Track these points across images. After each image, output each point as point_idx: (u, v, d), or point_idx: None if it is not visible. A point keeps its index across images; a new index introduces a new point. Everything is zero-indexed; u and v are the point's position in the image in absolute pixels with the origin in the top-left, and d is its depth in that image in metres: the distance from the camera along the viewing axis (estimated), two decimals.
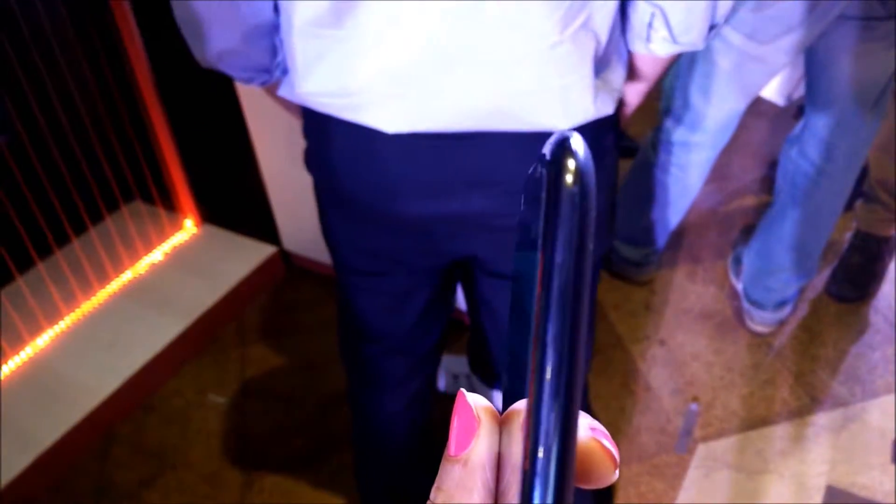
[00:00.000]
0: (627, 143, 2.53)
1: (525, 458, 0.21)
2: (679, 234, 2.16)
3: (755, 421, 1.74)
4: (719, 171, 2.34)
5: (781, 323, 1.94)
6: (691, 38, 0.91)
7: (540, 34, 0.82)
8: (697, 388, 1.82)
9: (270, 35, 0.94)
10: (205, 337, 1.99)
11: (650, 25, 0.91)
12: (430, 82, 0.86)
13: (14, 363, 1.83)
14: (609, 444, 0.24)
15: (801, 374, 1.84)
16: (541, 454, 0.21)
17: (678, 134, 1.76)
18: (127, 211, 2.16)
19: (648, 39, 0.93)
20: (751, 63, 1.54)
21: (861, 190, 1.98)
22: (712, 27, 0.92)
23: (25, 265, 1.93)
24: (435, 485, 0.24)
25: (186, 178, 2.13)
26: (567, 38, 0.83)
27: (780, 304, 1.89)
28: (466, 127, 0.89)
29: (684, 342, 1.93)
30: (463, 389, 0.25)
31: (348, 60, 0.86)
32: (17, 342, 1.85)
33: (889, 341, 1.89)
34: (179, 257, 2.14)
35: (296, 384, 1.87)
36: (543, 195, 0.21)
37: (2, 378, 1.80)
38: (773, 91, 2.72)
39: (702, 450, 1.69)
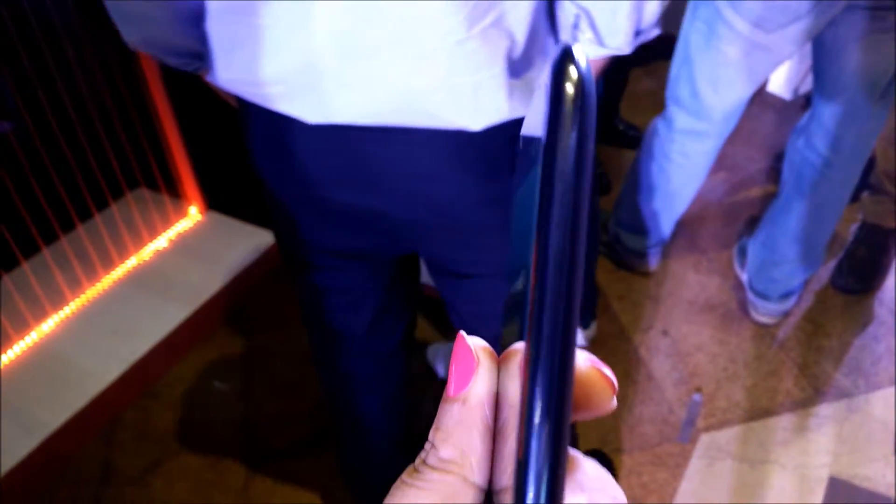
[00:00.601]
0: (632, 132, 2.53)
1: (523, 397, 0.21)
2: (684, 225, 2.16)
3: (758, 412, 1.74)
4: (725, 162, 2.34)
5: (786, 314, 1.94)
6: (617, 41, 0.90)
7: (446, 30, 0.81)
8: (701, 378, 1.82)
9: (198, 21, 0.93)
10: (209, 324, 1.99)
11: (576, 27, 0.89)
12: (341, 75, 0.85)
13: (19, 348, 1.84)
14: (608, 371, 0.24)
15: (805, 365, 1.83)
16: (539, 393, 0.20)
17: (683, 122, 1.75)
18: (132, 198, 2.16)
19: (574, 40, 0.90)
20: (757, 52, 1.54)
21: (867, 182, 1.97)
22: (639, 32, 0.91)
23: (31, 251, 1.93)
24: (433, 425, 0.24)
25: (191, 165, 2.13)
26: (475, 35, 0.82)
27: (785, 296, 1.89)
28: (381, 121, 0.88)
29: (688, 333, 1.93)
30: (462, 332, 0.25)
31: (263, 49, 0.86)
32: (23, 327, 1.86)
33: (893, 333, 1.89)
34: (184, 244, 2.14)
35: (299, 371, 1.87)
36: (546, 101, 0.21)
37: (7, 363, 1.81)
38: (780, 85, 2.71)
39: (705, 440, 1.69)
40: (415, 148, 0.92)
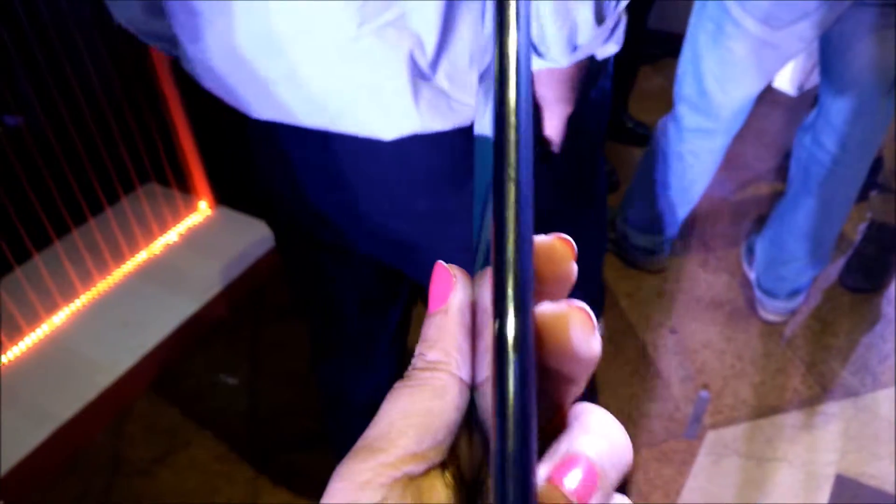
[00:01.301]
0: (640, 129, 2.53)
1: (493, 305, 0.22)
2: (692, 223, 2.16)
3: (765, 409, 1.74)
4: (733, 160, 2.34)
5: (793, 312, 1.93)
6: (551, 53, 0.84)
7: (337, 25, 0.78)
8: (708, 376, 1.82)
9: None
10: (218, 317, 2.00)
11: None
12: (260, 71, 0.84)
13: (30, 340, 1.85)
14: (565, 236, 0.26)
15: (812, 363, 1.83)
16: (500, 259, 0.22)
17: (691, 120, 1.75)
18: (142, 192, 2.18)
19: None
20: (765, 49, 1.54)
21: (875, 181, 1.97)
22: (576, 47, 0.85)
23: (42, 244, 1.95)
24: (419, 341, 0.27)
25: (201, 160, 2.14)
26: (367, 33, 0.78)
27: (793, 294, 1.89)
28: (298, 122, 0.87)
29: (696, 330, 1.93)
30: (440, 261, 0.27)
31: (204, 41, 0.86)
32: (34, 319, 1.87)
33: None
34: (194, 238, 2.16)
35: (306, 365, 1.88)
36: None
37: (18, 354, 1.83)
38: (786, 81, 2.71)
39: (711, 437, 1.69)
40: (335, 155, 0.90)
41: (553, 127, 1.00)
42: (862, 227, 2.05)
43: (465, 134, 0.88)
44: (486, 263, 0.26)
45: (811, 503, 1.56)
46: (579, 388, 0.26)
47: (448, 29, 0.80)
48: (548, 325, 0.24)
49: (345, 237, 1.05)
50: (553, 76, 0.92)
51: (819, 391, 1.77)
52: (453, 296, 0.26)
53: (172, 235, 2.14)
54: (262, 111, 0.89)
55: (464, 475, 0.26)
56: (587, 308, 0.25)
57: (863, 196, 2.00)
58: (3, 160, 1.76)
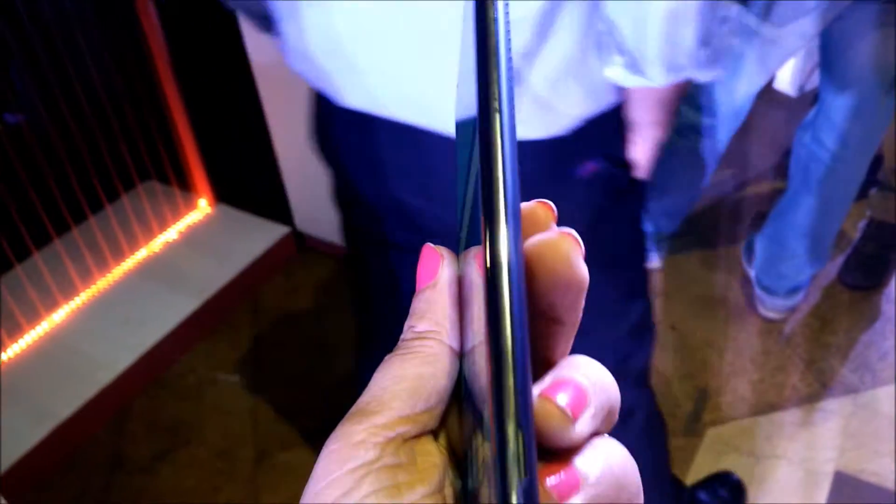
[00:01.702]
0: None
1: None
2: (692, 220, 2.16)
3: (765, 406, 1.74)
4: (733, 158, 2.34)
5: (793, 310, 1.94)
6: (650, 71, 0.80)
7: (432, 20, 0.77)
8: (708, 373, 1.82)
9: None
10: (218, 315, 2.01)
11: (603, 45, 0.81)
12: (358, 59, 0.84)
13: (30, 338, 1.85)
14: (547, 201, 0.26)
15: (811, 360, 1.84)
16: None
17: (691, 117, 1.75)
18: (142, 190, 2.18)
19: (603, 62, 0.83)
20: (766, 46, 1.54)
21: (875, 178, 1.97)
22: (678, 67, 0.81)
23: (42, 241, 1.95)
24: (409, 315, 0.28)
25: (201, 158, 2.14)
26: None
27: (793, 291, 1.89)
28: (387, 114, 0.86)
29: (695, 327, 1.93)
30: (428, 243, 0.28)
31: (302, 25, 0.86)
32: (34, 317, 1.87)
33: None
34: (193, 236, 2.16)
35: (307, 363, 1.89)
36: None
37: (18, 352, 1.83)
38: (786, 82, 2.71)
39: (711, 434, 1.69)
40: (425, 152, 0.89)
41: (643, 151, 0.97)
42: (861, 224, 2.05)
43: (561, 144, 0.86)
44: (469, 243, 0.26)
45: (810, 501, 1.57)
46: (566, 331, 0.25)
47: (544, 33, 0.78)
48: (535, 252, 0.24)
49: (421, 234, 1.04)
50: (649, 96, 0.89)
51: (818, 388, 1.77)
52: (441, 271, 0.27)
53: (172, 233, 2.14)
54: (352, 99, 0.89)
55: (455, 449, 0.27)
56: (573, 232, 0.25)
57: (862, 194, 1.99)
58: (4, 158, 1.76)
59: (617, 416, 0.25)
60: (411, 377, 0.25)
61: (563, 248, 0.24)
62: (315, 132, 1.04)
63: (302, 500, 0.24)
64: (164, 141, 2.08)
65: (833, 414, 1.72)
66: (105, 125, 1.96)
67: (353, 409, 0.26)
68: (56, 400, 1.73)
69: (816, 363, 1.83)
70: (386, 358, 0.26)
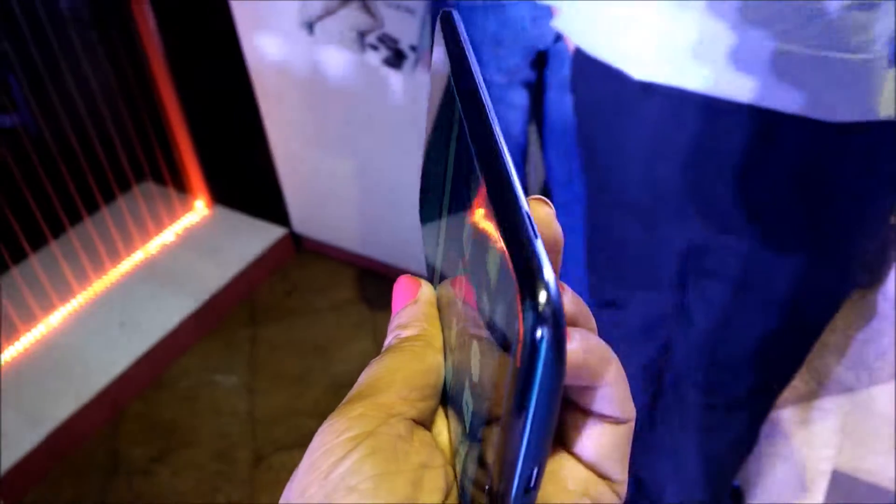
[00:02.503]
0: None
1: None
2: None
3: None
4: None
5: None
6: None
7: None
8: None
9: None
10: (215, 317, 2.00)
11: None
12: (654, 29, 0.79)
13: (27, 340, 1.85)
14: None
15: (808, 359, 1.82)
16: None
17: None
18: (139, 191, 2.17)
19: None
20: None
21: None
22: None
23: (38, 244, 1.94)
24: (390, 328, 0.29)
25: (198, 159, 2.14)
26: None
27: None
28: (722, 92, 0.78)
29: None
30: (405, 275, 0.30)
31: None
32: (30, 319, 1.87)
33: None
34: (190, 238, 2.15)
35: (304, 365, 1.89)
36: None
37: (14, 355, 1.82)
38: None
39: None
40: (738, 131, 0.81)
41: None
42: None
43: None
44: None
45: (808, 499, 1.57)
46: None
47: None
48: None
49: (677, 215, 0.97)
50: None
51: (815, 387, 1.77)
52: (421, 290, 0.29)
53: (169, 235, 2.14)
54: (642, 71, 0.84)
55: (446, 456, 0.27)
56: (542, 197, 0.26)
57: None
58: None
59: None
60: (404, 369, 0.26)
61: (544, 210, 0.25)
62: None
63: (296, 473, 0.24)
64: (161, 142, 2.08)
65: (830, 412, 1.72)
66: (101, 126, 1.96)
67: (349, 395, 0.25)
68: (53, 403, 1.73)
69: (813, 361, 1.83)
70: (373, 360, 0.27)
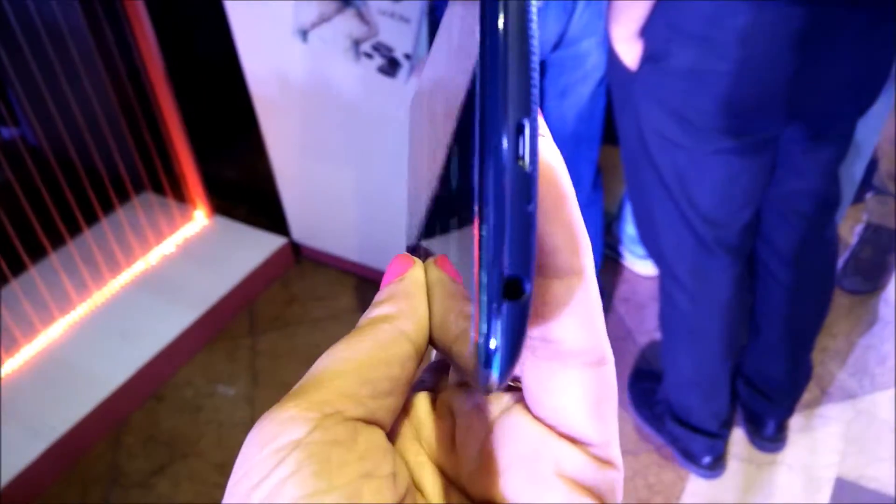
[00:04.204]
0: None
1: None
2: None
3: None
4: None
5: None
6: None
7: None
8: None
9: None
10: (215, 327, 2.00)
11: None
12: None
13: (27, 353, 1.84)
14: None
15: (811, 364, 1.83)
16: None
17: None
18: (138, 202, 2.17)
19: None
20: None
21: (871, 183, 1.97)
22: None
23: (38, 255, 1.94)
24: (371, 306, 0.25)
25: (197, 169, 2.14)
26: None
27: None
28: None
29: None
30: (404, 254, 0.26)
31: None
32: (30, 332, 1.86)
33: None
34: (190, 248, 2.15)
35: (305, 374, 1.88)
36: None
37: (15, 367, 1.82)
38: None
39: None
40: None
41: None
42: (858, 229, 2.05)
43: None
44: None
45: None
46: None
47: None
48: None
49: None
50: None
51: (818, 394, 1.77)
52: (411, 271, 0.25)
53: (169, 245, 2.14)
54: None
55: (413, 473, 0.24)
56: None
57: (859, 198, 2.00)
58: None
59: None
60: (359, 358, 0.22)
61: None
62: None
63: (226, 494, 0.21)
64: (160, 153, 2.08)
65: (833, 419, 1.71)
66: (100, 138, 1.96)
67: (288, 393, 0.22)
68: (53, 415, 1.73)
69: (815, 368, 1.82)
70: (337, 342, 0.23)
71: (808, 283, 1.44)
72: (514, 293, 0.18)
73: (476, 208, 0.18)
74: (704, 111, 1.13)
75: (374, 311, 0.24)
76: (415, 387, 0.27)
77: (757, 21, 1.01)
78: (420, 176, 0.27)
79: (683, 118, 1.15)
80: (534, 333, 0.21)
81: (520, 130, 0.17)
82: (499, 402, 0.24)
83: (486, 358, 0.18)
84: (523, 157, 0.18)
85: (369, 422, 0.22)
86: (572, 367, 0.21)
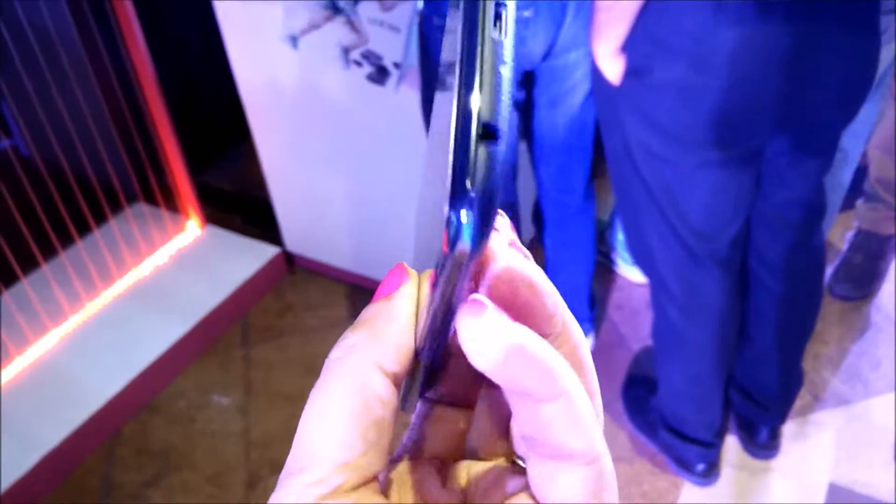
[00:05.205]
0: None
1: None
2: None
3: None
4: None
5: None
6: None
7: None
8: None
9: None
10: (209, 338, 2.00)
11: None
12: None
13: (19, 364, 1.84)
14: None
15: (802, 371, 1.84)
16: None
17: None
18: (131, 212, 2.17)
19: None
20: None
21: (862, 189, 1.98)
22: None
23: (30, 266, 1.94)
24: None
25: (190, 179, 2.14)
26: None
27: None
28: None
29: None
30: (402, 262, 0.25)
31: None
32: (22, 343, 1.86)
33: (891, 340, 1.89)
34: (183, 259, 2.15)
35: (299, 384, 1.88)
36: None
37: (7, 379, 1.81)
38: None
39: None
40: None
41: None
42: (849, 235, 2.06)
43: None
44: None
45: None
46: None
47: None
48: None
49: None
50: None
51: (811, 400, 1.77)
52: (402, 288, 0.24)
53: (161, 256, 2.13)
54: None
55: None
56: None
57: (849, 205, 2.01)
58: None
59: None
60: (339, 414, 0.22)
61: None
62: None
63: None
64: (152, 163, 2.08)
65: (826, 425, 1.72)
66: (92, 148, 1.96)
67: (283, 470, 0.22)
68: (46, 427, 1.72)
69: (808, 375, 1.83)
70: (313, 390, 0.23)
71: (797, 291, 1.45)
72: (489, 136, 0.19)
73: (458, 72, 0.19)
74: (691, 125, 1.13)
75: (348, 337, 0.23)
76: (418, 452, 0.27)
77: (743, 37, 1.02)
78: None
79: (669, 132, 1.16)
80: (534, 435, 0.22)
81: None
82: (511, 482, 0.24)
83: (457, 204, 0.19)
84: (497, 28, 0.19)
85: (367, 481, 0.22)
86: (572, 465, 0.22)
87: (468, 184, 0.19)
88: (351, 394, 0.22)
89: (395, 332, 0.23)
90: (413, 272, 0.24)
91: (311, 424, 0.22)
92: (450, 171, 0.19)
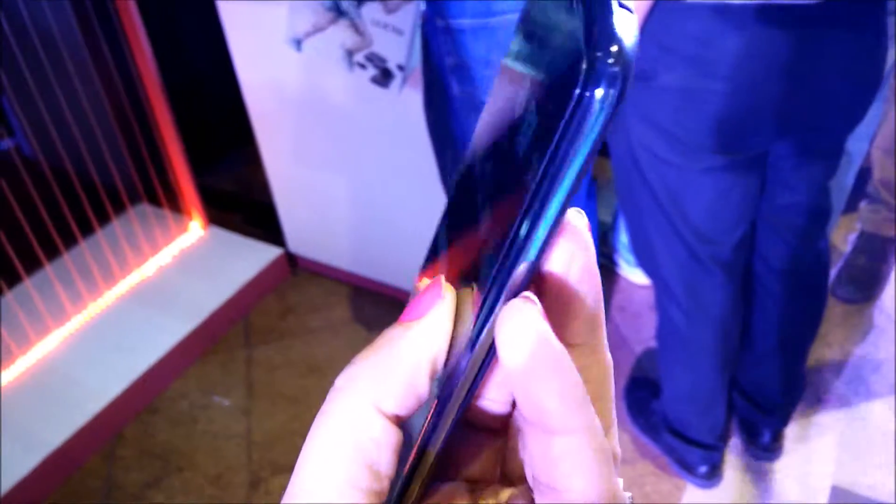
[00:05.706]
0: None
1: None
2: None
3: None
4: None
5: None
6: None
7: None
8: None
9: None
10: (211, 339, 2.00)
11: None
12: None
13: (21, 365, 1.84)
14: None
15: (805, 374, 1.83)
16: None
17: None
18: (133, 213, 2.17)
19: None
20: None
21: (864, 191, 1.98)
22: None
23: (33, 267, 1.94)
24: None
25: (193, 180, 2.14)
26: None
27: None
28: None
29: None
30: (442, 276, 0.23)
31: None
32: (25, 344, 1.86)
33: (894, 342, 1.89)
34: (185, 259, 2.15)
35: (301, 385, 1.88)
36: None
37: (9, 379, 1.81)
38: None
39: None
40: None
41: None
42: (852, 237, 2.06)
43: None
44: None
45: None
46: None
47: None
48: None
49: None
50: None
51: (813, 402, 1.77)
52: (432, 312, 0.22)
53: (164, 256, 2.13)
54: None
55: None
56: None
57: (852, 207, 2.01)
58: None
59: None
60: (331, 458, 0.21)
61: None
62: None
63: None
64: (155, 163, 2.08)
65: (829, 428, 1.72)
66: (95, 148, 1.96)
67: (283, 500, 0.22)
68: (48, 427, 1.72)
69: (810, 377, 1.83)
70: (316, 418, 0.22)
71: (801, 294, 1.45)
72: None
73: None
74: (695, 129, 1.13)
75: (355, 364, 0.22)
76: (453, 473, 0.27)
77: (748, 41, 1.02)
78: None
79: (674, 136, 1.16)
80: (542, 479, 0.21)
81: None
82: None
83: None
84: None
85: None
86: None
87: (611, 49, 0.18)
88: (343, 436, 0.21)
89: (406, 369, 0.21)
90: (451, 290, 0.22)
91: (305, 463, 0.21)
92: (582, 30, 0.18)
